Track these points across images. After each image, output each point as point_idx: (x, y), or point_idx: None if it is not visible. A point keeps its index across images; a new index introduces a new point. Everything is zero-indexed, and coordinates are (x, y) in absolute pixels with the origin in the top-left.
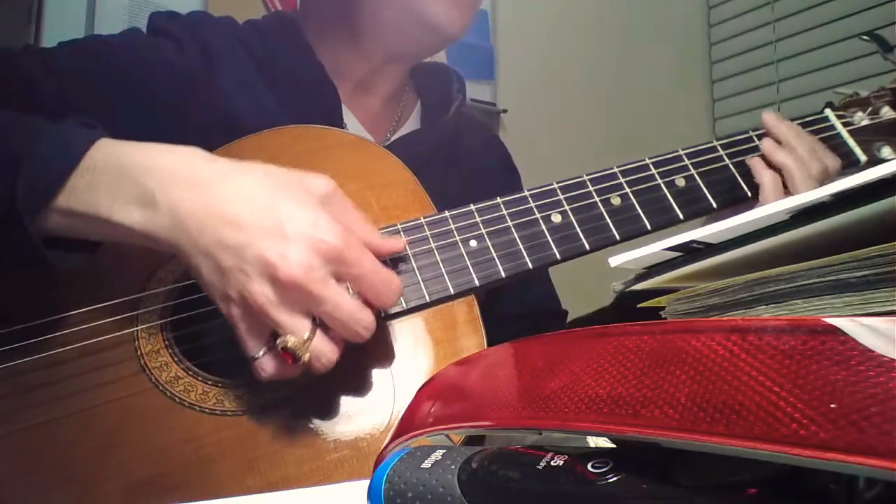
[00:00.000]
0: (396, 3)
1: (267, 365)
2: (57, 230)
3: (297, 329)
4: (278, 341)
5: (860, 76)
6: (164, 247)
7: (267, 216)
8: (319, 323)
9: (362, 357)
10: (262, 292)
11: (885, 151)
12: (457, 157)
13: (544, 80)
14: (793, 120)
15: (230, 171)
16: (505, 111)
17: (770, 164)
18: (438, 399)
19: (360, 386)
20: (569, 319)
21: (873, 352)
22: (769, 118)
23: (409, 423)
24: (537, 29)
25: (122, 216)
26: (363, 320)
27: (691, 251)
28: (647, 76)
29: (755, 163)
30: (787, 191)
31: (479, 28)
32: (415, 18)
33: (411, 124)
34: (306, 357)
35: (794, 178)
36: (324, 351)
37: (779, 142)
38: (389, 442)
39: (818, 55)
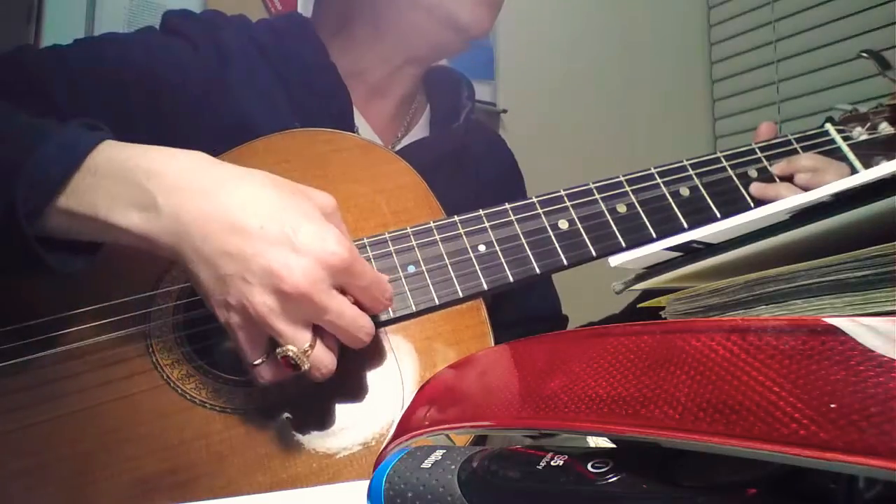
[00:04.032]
0: (422, 4)
1: (266, 372)
2: (57, 231)
3: (297, 339)
4: (278, 350)
5: (860, 76)
6: (164, 250)
7: (273, 226)
8: (319, 331)
9: (371, 357)
10: (263, 302)
11: None
12: (463, 166)
13: (544, 80)
14: (793, 135)
15: (233, 177)
16: (505, 111)
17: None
18: (438, 399)
19: (369, 385)
20: (574, 326)
21: (873, 352)
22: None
23: (408, 423)
24: (537, 29)
25: (119, 218)
26: (365, 326)
27: (691, 251)
28: (647, 76)
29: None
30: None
31: None
32: (440, 19)
33: (420, 130)
34: (306, 366)
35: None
36: (323, 360)
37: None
38: (389, 442)
39: (818, 55)
